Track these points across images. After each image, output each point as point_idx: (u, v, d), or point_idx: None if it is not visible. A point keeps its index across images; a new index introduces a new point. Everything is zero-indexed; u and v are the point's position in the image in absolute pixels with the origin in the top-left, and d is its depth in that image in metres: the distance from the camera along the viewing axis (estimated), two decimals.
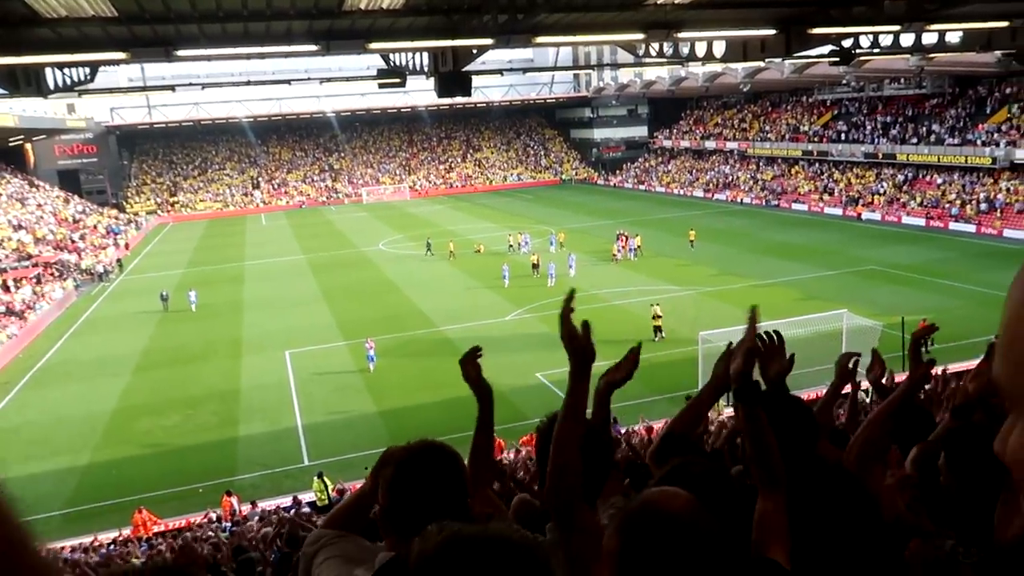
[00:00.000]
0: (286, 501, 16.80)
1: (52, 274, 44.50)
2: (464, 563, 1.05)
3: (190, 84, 24.00)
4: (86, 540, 15.28)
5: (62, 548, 14.81)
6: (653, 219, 55.96)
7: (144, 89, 32.28)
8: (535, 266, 37.60)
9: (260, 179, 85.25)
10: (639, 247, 42.07)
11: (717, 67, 59.94)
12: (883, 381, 4.29)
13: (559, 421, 2.05)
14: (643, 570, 1.51)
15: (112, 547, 14.29)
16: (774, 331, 3.28)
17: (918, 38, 25.68)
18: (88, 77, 17.23)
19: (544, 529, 2.67)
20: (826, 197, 57.70)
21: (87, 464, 20.42)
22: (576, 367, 2.09)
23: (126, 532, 15.76)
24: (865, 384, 4.54)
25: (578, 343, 2.07)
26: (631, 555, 1.54)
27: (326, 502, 16.24)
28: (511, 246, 45.12)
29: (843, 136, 61.72)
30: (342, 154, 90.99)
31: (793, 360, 3.29)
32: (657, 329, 26.77)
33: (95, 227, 60.41)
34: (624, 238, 43.11)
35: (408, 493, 1.94)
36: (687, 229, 46.37)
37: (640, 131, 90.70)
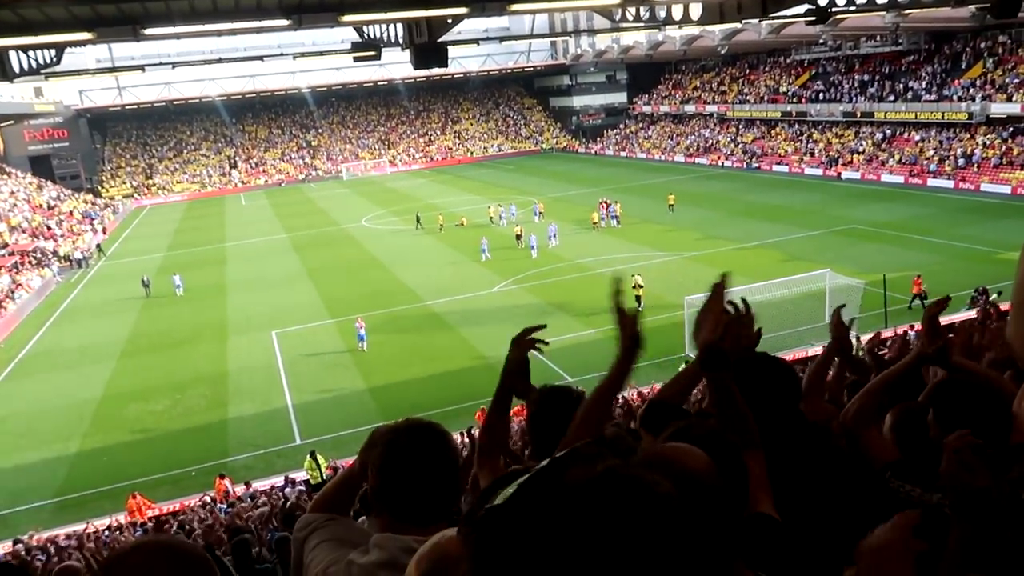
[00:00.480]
0: (279, 481, 16.84)
1: (30, 262, 43.91)
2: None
3: (160, 64, 23.63)
4: (79, 527, 15.27)
5: (56, 536, 14.80)
6: (635, 185, 55.91)
7: (113, 70, 31.67)
8: (518, 237, 37.52)
9: (237, 158, 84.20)
10: (619, 214, 42.01)
11: (694, 30, 59.56)
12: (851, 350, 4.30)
13: (600, 393, 2.11)
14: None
15: (107, 533, 14.29)
16: (742, 299, 3.27)
17: None
18: (54, 59, 16.84)
19: None
20: (806, 158, 57.83)
21: (76, 452, 20.34)
22: (626, 352, 2.19)
23: (120, 518, 15.76)
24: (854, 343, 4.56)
25: (632, 331, 2.15)
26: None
27: (319, 480, 16.29)
28: (491, 219, 44.96)
29: (821, 96, 61.72)
30: (319, 130, 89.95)
31: (760, 333, 3.28)
32: (637, 299, 25.97)
33: (71, 213, 59.57)
34: (606, 205, 43.07)
35: (398, 473, 1.92)
36: (662, 192, 46.44)
37: (619, 97, 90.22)
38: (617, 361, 2.18)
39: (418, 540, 1.71)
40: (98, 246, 50.63)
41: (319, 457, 17.08)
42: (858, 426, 2.77)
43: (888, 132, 54.28)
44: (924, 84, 53.41)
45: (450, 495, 1.97)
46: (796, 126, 63.03)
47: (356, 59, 19.74)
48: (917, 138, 51.50)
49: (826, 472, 2.38)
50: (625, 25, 23.64)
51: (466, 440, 8.18)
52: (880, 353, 5.11)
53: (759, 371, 2.55)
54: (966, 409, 2.42)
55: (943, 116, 49.96)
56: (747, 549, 1.78)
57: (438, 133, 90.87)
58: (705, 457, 1.65)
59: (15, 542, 14.39)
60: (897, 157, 51.08)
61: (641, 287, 26.22)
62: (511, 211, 45.27)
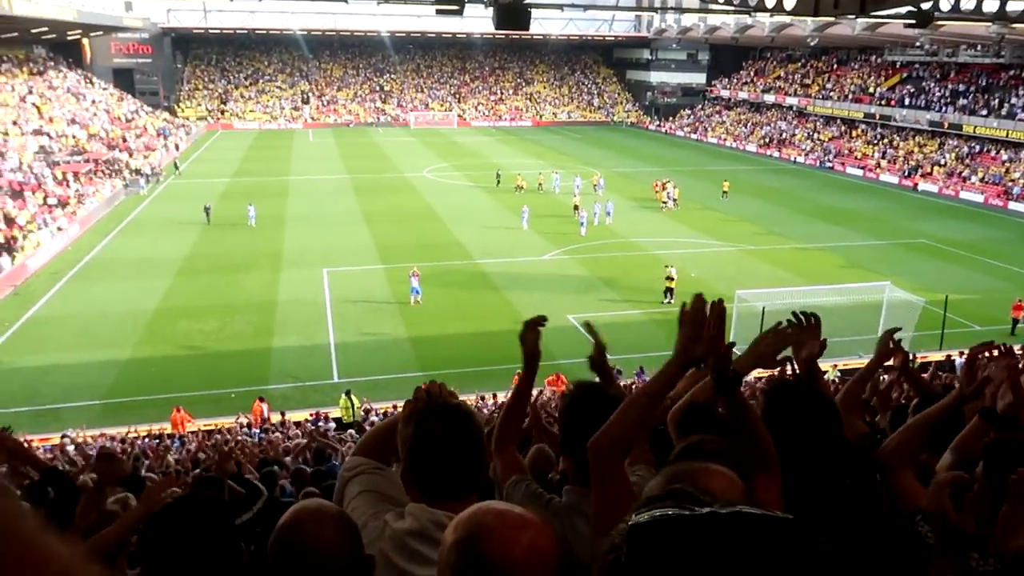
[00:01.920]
0: (312, 415, 17.30)
1: (103, 171, 45.34)
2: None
3: None
4: (122, 430, 15.98)
5: (100, 435, 15.53)
6: (702, 170, 54.85)
7: None
8: (576, 208, 37.21)
9: (310, 94, 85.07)
10: (676, 197, 41.19)
11: (785, 18, 57.55)
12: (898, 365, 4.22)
13: (649, 388, 2.14)
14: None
15: (147, 440, 14.94)
16: (812, 313, 3.23)
17: (1002, 5, 24.32)
18: None
19: (558, 488, 2.74)
20: (884, 163, 55.87)
21: (127, 359, 21.18)
22: (686, 360, 2.16)
23: (158, 427, 16.43)
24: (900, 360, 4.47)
25: (703, 348, 2.13)
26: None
27: (351, 419, 16.70)
28: (540, 185, 44.63)
29: (909, 101, 59.32)
30: (393, 75, 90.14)
31: (825, 345, 3.26)
32: (668, 291, 25.25)
33: (146, 128, 61.12)
34: (661, 185, 42.41)
35: (428, 454, 2.01)
36: (735, 182, 45.54)
37: (698, 78, 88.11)
38: (675, 364, 2.17)
39: (448, 516, 1.81)
40: (174, 162, 52.05)
41: (353, 397, 17.49)
42: (896, 463, 2.72)
43: (975, 148, 52.03)
44: (1022, 102, 50.87)
45: (476, 473, 2.06)
46: (878, 129, 60.83)
47: (439, 11, 19.66)
48: (1005, 157, 49.27)
49: (853, 508, 2.36)
50: (715, 6, 23.01)
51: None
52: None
53: (798, 404, 2.52)
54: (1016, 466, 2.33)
55: None
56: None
57: (510, 93, 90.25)
58: (732, 478, 1.67)
59: (63, 436, 15.17)
60: (980, 175, 48.99)
61: (673, 279, 25.26)
62: (554, 181, 44.90)
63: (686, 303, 2.22)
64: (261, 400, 17.65)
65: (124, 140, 54.19)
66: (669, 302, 24.87)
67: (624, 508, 1.75)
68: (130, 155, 51.22)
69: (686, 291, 25.61)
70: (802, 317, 3.14)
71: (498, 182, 45.86)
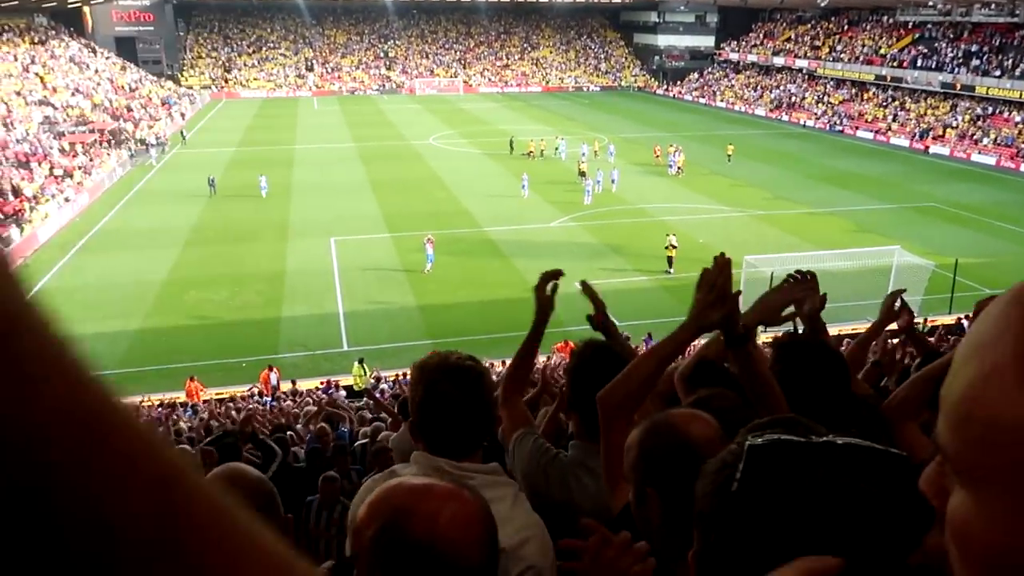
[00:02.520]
0: (323, 383, 17.45)
1: (108, 141, 45.24)
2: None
3: None
4: (135, 400, 16.17)
5: None
6: (711, 135, 54.30)
7: None
8: (583, 174, 36.95)
9: (314, 62, 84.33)
10: (680, 163, 40.73)
11: None
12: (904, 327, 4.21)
13: (659, 349, 2.16)
14: (659, 483, 1.62)
15: (160, 409, 15.12)
16: (807, 271, 3.23)
17: None
18: None
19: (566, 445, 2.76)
20: (895, 126, 55.19)
21: (138, 329, 21.34)
22: (703, 323, 2.17)
23: (171, 397, 16.61)
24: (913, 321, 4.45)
25: (720, 313, 2.15)
26: (649, 470, 1.67)
27: (363, 388, 16.83)
28: (542, 152, 44.00)
29: (920, 62, 58.37)
30: (398, 41, 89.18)
31: (826, 299, 3.27)
32: (670, 260, 25.00)
33: (150, 98, 60.83)
34: (663, 151, 42.41)
35: (435, 413, 2.05)
36: (737, 145, 45.12)
37: (707, 41, 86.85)
38: (694, 321, 2.19)
39: (449, 463, 1.96)
40: (180, 132, 51.84)
41: (365, 366, 17.61)
42: (900, 417, 2.73)
43: (987, 109, 51.29)
44: None
45: (483, 432, 2.11)
46: (889, 91, 59.99)
47: None
48: (1018, 119, 48.59)
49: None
50: None
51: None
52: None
53: (808, 357, 2.53)
54: None
55: None
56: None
57: (516, 58, 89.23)
58: (713, 425, 1.69)
59: None
60: (993, 137, 48.36)
61: (675, 247, 25.00)
62: (560, 147, 44.39)
63: (707, 267, 2.24)
64: (270, 368, 17.79)
65: (129, 110, 53.98)
66: (670, 272, 24.65)
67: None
68: (135, 125, 51.05)
69: (695, 257, 25.57)
70: (799, 275, 3.14)
71: (512, 149, 45.42)
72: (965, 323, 16.96)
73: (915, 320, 4.39)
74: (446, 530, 1.24)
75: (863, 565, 0.84)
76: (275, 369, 17.91)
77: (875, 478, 0.88)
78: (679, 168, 40.47)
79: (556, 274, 2.86)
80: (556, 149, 44.44)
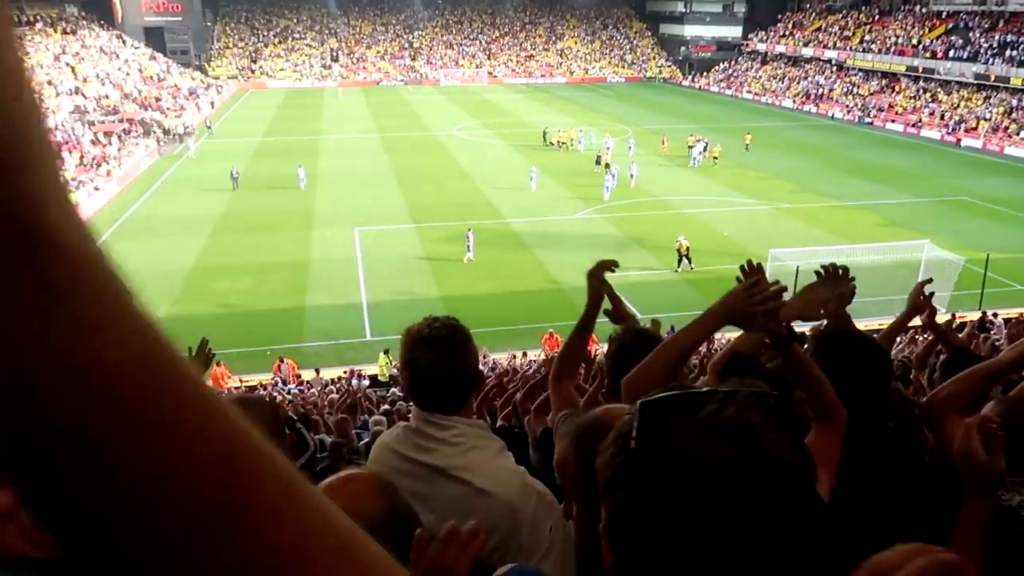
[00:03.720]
0: (347, 372, 17.58)
1: (137, 131, 45.80)
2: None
3: None
4: None
5: None
6: (737, 127, 53.68)
7: None
8: (607, 165, 36.72)
9: (339, 52, 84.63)
10: (705, 153, 40.78)
11: None
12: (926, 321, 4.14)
13: (687, 334, 2.18)
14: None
15: None
16: (841, 265, 3.17)
17: None
18: None
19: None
20: (926, 118, 54.22)
21: (165, 316, 21.59)
22: (734, 317, 2.16)
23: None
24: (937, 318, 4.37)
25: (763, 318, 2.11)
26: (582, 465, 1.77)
27: (387, 378, 16.94)
28: (566, 143, 44.03)
29: (954, 53, 57.23)
30: (422, 32, 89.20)
31: (854, 289, 3.20)
32: (683, 258, 24.35)
33: (178, 87, 61.45)
34: (695, 140, 42.06)
35: (419, 375, 2.29)
36: (763, 137, 44.65)
37: (734, 31, 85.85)
38: (715, 318, 2.20)
39: (439, 416, 2.26)
40: (207, 123, 52.32)
41: (391, 355, 17.72)
42: (944, 411, 2.66)
43: (1022, 100, 50.19)
44: None
45: (464, 390, 2.34)
46: (920, 83, 58.93)
47: None
48: None
49: (901, 463, 2.33)
50: None
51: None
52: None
53: (852, 351, 2.48)
54: None
55: None
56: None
57: (540, 49, 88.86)
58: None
59: None
60: None
61: (687, 247, 24.49)
62: (580, 139, 44.20)
63: (751, 260, 2.24)
64: (281, 360, 17.91)
65: (157, 100, 54.56)
66: (690, 268, 24.22)
67: None
68: (163, 115, 51.61)
69: (720, 251, 25.38)
70: (830, 268, 3.09)
71: (545, 140, 45.26)
72: (995, 319, 16.64)
73: (943, 315, 4.31)
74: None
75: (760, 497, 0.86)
76: (286, 360, 17.99)
77: (760, 413, 0.91)
78: (714, 158, 40.32)
79: (611, 264, 2.98)
80: (576, 141, 44.24)
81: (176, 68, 67.95)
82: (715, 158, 40.27)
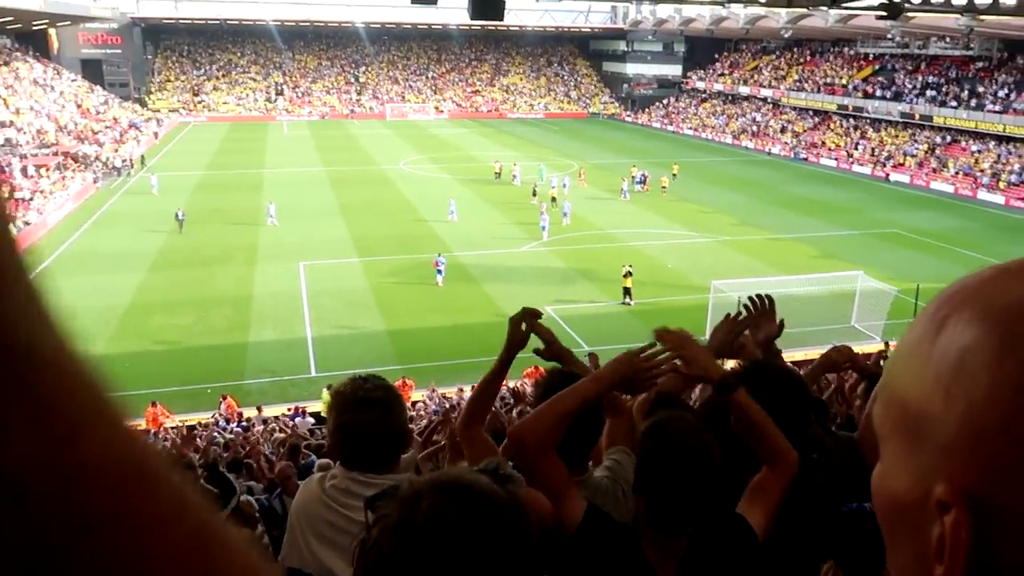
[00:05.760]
0: (291, 409, 17.20)
1: (72, 165, 44.57)
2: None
3: None
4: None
5: None
6: (679, 162, 55.05)
7: None
8: (553, 199, 37.17)
9: (284, 86, 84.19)
10: (644, 185, 42.89)
11: (760, 10, 57.92)
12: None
13: (568, 399, 2.17)
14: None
15: None
16: (765, 295, 3.27)
17: None
18: None
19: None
20: (856, 154, 56.53)
21: (100, 355, 20.71)
22: (615, 383, 2.31)
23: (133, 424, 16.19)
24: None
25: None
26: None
27: None
28: (497, 174, 44.69)
29: (881, 93, 60.04)
30: (369, 67, 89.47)
31: (783, 325, 3.29)
32: (627, 291, 24.22)
33: (116, 120, 60.17)
34: (632, 176, 43.63)
35: (347, 442, 2.30)
36: (704, 172, 45.94)
37: (674, 69, 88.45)
38: (620, 368, 2.29)
39: (363, 475, 2.26)
40: (141, 157, 51.17)
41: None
42: (870, 435, 2.76)
43: (945, 138, 52.81)
44: (990, 93, 51.72)
45: (394, 451, 2.37)
46: (851, 121, 61.52)
47: (414, 1, 19.54)
48: (975, 148, 50.06)
49: (829, 493, 2.41)
50: None
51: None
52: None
53: (766, 383, 2.50)
54: None
55: (1004, 129, 48.44)
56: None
57: (486, 85, 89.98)
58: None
59: None
60: (951, 166, 49.74)
61: (631, 275, 24.37)
62: (514, 172, 44.51)
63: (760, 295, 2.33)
64: (224, 398, 17.47)
65: (94, 132, 53.30)
66: (628, 303, 24.22)
67: (556, 497, 1.97)
68: (100, 148, 50.40)
69: (666, 283, 25.84)
70: (756, 301, 3.18)
71: (497, 176, 45.38)
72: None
73: (877, 344, 4.44)
74: None
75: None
76: (227, 398, 17.53)
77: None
78: (663, 187, 42.27)
79: (535, 314, 2.88)
80: (512, 176, 44.17)
81: (116, 101, 66.59)
82: (664, 187, 41.91)
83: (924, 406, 0.52)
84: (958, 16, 37.22)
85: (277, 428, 14.22)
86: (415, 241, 31.70)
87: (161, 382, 19.09)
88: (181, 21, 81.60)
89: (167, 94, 79.50)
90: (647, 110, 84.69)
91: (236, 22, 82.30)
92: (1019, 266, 0.53)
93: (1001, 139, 49.04)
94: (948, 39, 55.60)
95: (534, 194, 37.57)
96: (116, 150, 51.24)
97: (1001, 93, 51.06)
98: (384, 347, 21.39)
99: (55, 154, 44.23)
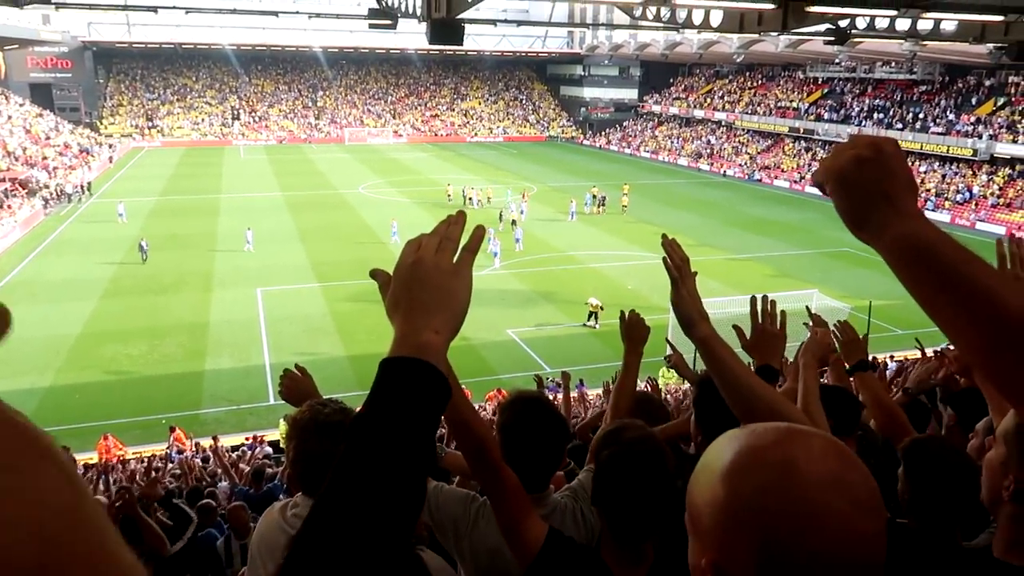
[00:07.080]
0: (248, 439, 16.84)
1: (19, 191, 43.44)
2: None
3: (173, 7, 23.26)
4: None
5: None
6: (637, 184, 55.79)
7: (125, 8, 30.98)
8: (514, 223, 37.34)
9: (240, 111, 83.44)
10: (593, 206, 44.10)
11: (712, 36, 59.33)
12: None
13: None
14: None
15: (87, 473, 14.21)
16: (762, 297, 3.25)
17: (913, 24, 25.64)
18: None
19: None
20: (808, 175, 57.92)
21: (49, 386, 20.25)
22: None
23: (84, 458, 15.68)
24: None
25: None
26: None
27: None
28: (448, 196, 44.98)
29: (830, 116, 61.78)
30: (327, 92, 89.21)
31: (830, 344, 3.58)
32: (594, 315, 24.49)
33: (67, 145, 58.90)
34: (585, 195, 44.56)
35: (306, 468, 2.27)
36: (661, 194, 46.61)
37: (630, 93, 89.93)
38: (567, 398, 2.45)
39: None
40: (88, 184, 49.89)
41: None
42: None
43: None
44: (934, 115, 53.57)
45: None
46: (802, 142, 63.12)
47: (372, 26, 19.59)
48: (921, 169, 51.69)
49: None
50: (644, 24, 23.59)
51: None
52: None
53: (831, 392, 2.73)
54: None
55: (948, 150, 50.17)
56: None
57: (445, 109, 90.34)
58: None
59: None
60: None
61: (601, 308, 24.52)
62: (474, 194, 44.67)
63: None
64: (172, 429, 16.97)
65: (44, 158, 52.08)
66: (595, 326, 24.32)
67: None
68: (50, 174, 49.22)
69: (626, 304, 25.99)
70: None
71: (466, 201, 44.80)
72: (891, 364, 17.59)
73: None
74: None
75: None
76: (175, 430, 17.03)
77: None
78: (623, 206, 43.70)
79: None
80: (468, 199, 44.20)
81: (66, 126, 65.23)
82: (624, 206, 43.34)
83: (699, 510, 0.90)
84: (902, 41, 38.55)
85: (234, 458, 13.89)
86: (374, 265, 30.98)
87: (113, 413, 18.56)
88: (135, 45, 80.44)
89: (120, 119, 78.17)
90: (604, 133, 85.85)
91: (191, 46, 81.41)
92: (753, 439, 0.88)
93: (945, 160, 50.75)
94: (893, 63, 57.58)
95: (500, 218, 37.60)
96: (66, 176, 50.08)
97: (944, 116, 52.93)
98: (344, 372, 21.10)
99: (2, 180, 43.06)
